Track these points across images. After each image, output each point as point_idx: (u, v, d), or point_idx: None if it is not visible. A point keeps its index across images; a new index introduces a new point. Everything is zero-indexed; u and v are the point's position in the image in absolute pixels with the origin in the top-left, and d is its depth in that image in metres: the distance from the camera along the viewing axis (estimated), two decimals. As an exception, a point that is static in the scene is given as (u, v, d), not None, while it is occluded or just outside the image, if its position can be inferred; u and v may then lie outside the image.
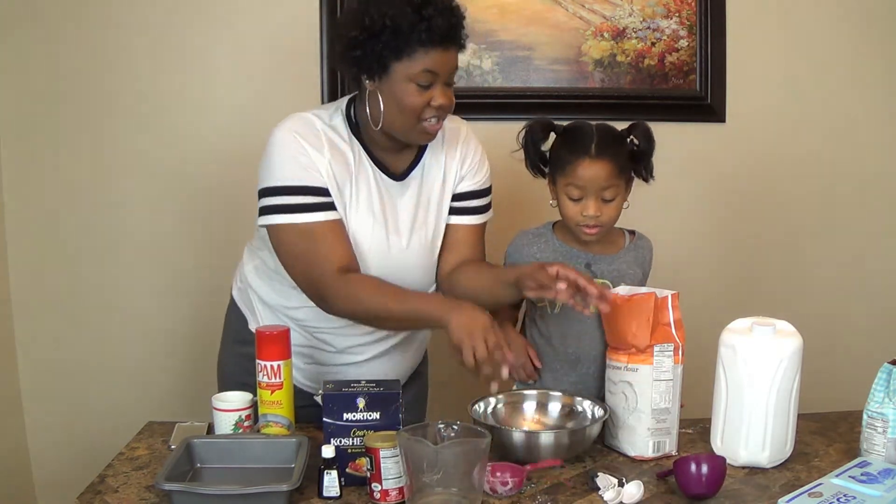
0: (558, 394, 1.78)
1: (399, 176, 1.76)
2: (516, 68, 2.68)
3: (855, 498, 1.38)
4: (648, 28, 2.69)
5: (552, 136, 1.87)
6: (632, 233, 1.93)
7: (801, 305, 2.51)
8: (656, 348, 1.64)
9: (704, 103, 2.74)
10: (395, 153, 1.76)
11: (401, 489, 1.44)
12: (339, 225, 1.68)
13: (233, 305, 1.95)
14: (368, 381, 1.57)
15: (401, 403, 1.52)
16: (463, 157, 1.83)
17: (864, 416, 1.58)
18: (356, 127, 1.73)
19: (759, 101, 2.75)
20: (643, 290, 1.70)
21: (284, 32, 2.60)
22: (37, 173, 2.62)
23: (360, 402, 1.51)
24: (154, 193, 2.65)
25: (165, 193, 2.65)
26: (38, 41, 2.55)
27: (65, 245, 2.66)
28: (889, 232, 2.86)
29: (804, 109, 2.78)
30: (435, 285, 1.85)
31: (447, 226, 1.84)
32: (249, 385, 1.70)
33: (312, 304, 1.73)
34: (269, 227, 1.69)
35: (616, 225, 1.87)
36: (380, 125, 1.66)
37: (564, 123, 1.87)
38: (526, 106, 2.66)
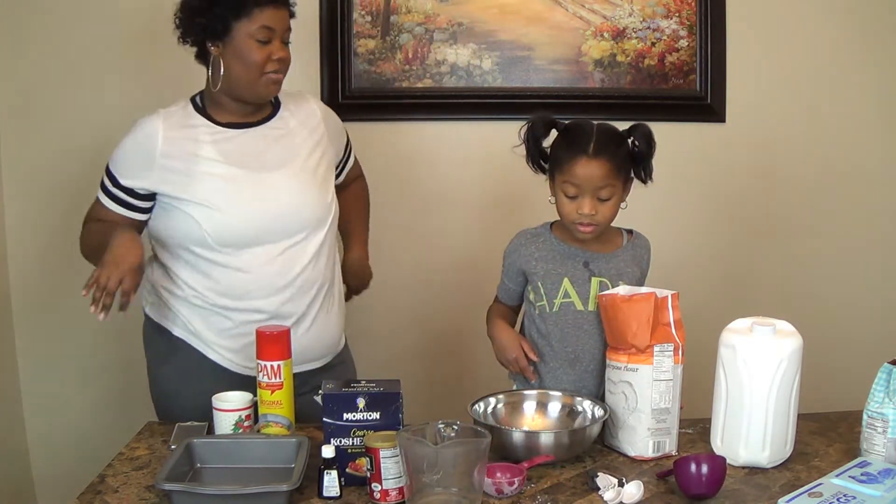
0: (558, 394, 1.78)
1: (255, 123, 1.91)
2: (516, 68, 2.68)
3: (855, 498, 1.38)
4: (648, 28, 2.69)
5: (553, 132, 1.86)
6: (629, 232, 1.93)
7: (801, 305, 2.51)
8: (656, 348, 1.64)
9: (704, 103, 2.74)
10: (249, 116, 1.90)
11: (401, 489, 1.44)
12: (131, 222, 1.85)
13: (148, 324, 1.96)
14: (368, 381, 1.56)
15: (401, 403, 1.52)
16: (325, 115, 2.02)
17: (864, 416, 1.58)
18: (202, 109, 1.89)
19: (759, 101, 2.75)
20: (643, 290, 1.71)
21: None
22: (37, 172, 2.62)
23: (360, 402, 1.51)
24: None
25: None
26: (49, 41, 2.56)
27: (65, 245, 2.65)
28: (889, 231, 2.86)
29: (804, 109, 2.78)
30: (330, 221, 1.95)
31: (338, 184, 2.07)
32: (193, 393, 1.76)
33: (235, 266, 1.83)
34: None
35: (614, 224, 1.87)
36: (217, 86, 1.83)
37: (567, 121, 1.87)
38: (526, 106, 2.65)
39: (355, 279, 2.13)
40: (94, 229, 1.88)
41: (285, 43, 1.85)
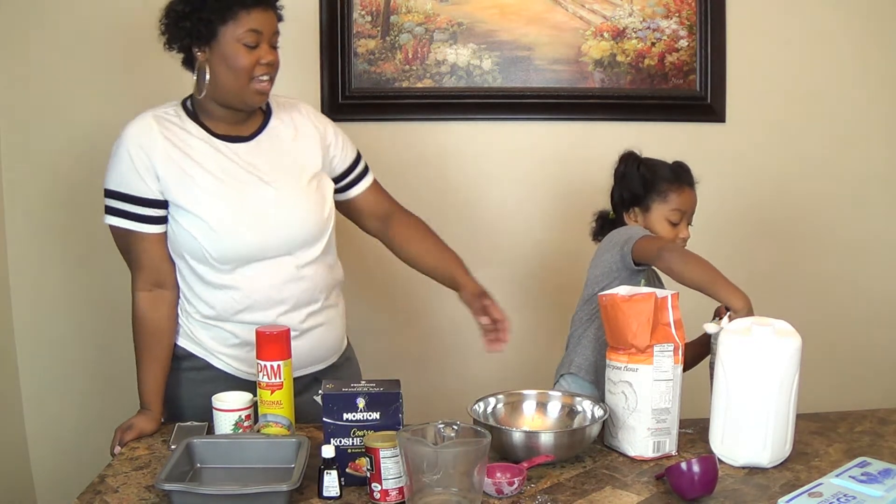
0: (558, 394, 1.79)
1: (248, 137, 1.85)
2: (516, 68, 2.68)
3: (855, 498, 1.38)
4: (648, 28, 2.69)
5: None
6: None
7: (801, 305, 2.51)
8: (656, 348, 1.64)
9: (704, 103, 2.74)
10: (240, 124, 1.85)
11: (401, 489, 1.44)
12: (153, 238, 1.80)
13: None
14: (368, 381, 1.57)
15: (401, 403, 1.52)
16: (317, 123, 1.94)
17: None
18: (194, 115, 1.84)
19: (759, 101, 2.75)
20: (643, 290, 1.71)
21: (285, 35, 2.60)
22: (37, 172, 2.62)
23: (360, 402, 1.51)
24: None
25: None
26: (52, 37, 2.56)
27: (65, 245, 2.66)
28: (889, 232, 2.86)
29: (804, 109, 2.78)
30: (329, 233, 1.90)
31: (351, 200, 2.01)
32: (201, 398, 1.76)
33: (231, 284, 1.80)
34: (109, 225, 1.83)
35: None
36: (203, 93, 1.79)
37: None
38: (526, 106, 2.66)
39: (481, 311, 1.86)
40: (137, 333, 1.84)
41: (273, 47, 1.79)
